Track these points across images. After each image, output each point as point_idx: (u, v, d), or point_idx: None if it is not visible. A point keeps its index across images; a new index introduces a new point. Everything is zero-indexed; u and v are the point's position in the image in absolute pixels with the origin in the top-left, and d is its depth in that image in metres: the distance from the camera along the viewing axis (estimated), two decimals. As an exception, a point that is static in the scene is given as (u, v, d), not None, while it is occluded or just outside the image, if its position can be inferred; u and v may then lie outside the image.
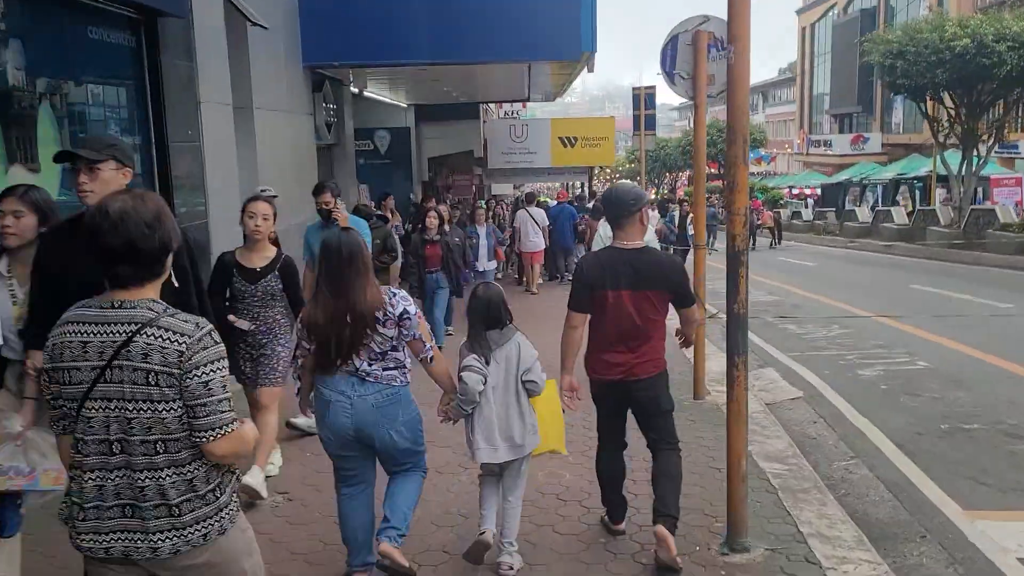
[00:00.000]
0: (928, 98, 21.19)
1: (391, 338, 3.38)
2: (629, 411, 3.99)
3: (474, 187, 25.38)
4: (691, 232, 9.31)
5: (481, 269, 11.10)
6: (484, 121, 22.38)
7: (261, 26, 7.86)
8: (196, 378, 2.05)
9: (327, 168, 11.76)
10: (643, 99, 13.27)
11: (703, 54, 6.23)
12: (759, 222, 26.48)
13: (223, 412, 2.10)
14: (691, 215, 10.87)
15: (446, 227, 9.21)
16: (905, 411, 6.78)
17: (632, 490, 4.46)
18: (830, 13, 55.21)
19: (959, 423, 6.36)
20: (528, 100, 21.54)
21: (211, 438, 2.09)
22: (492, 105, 25.43)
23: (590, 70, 12.16)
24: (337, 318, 3.31)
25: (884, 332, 10.45)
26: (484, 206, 13.91)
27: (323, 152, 11.60)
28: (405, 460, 3.53)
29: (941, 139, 21.34)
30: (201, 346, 2.07)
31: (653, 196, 46.16)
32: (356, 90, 12.71)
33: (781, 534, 4.10)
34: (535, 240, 13.83)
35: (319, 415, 3.46)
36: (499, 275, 14.28)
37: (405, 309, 3.39)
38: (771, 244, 26.92)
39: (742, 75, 3.55)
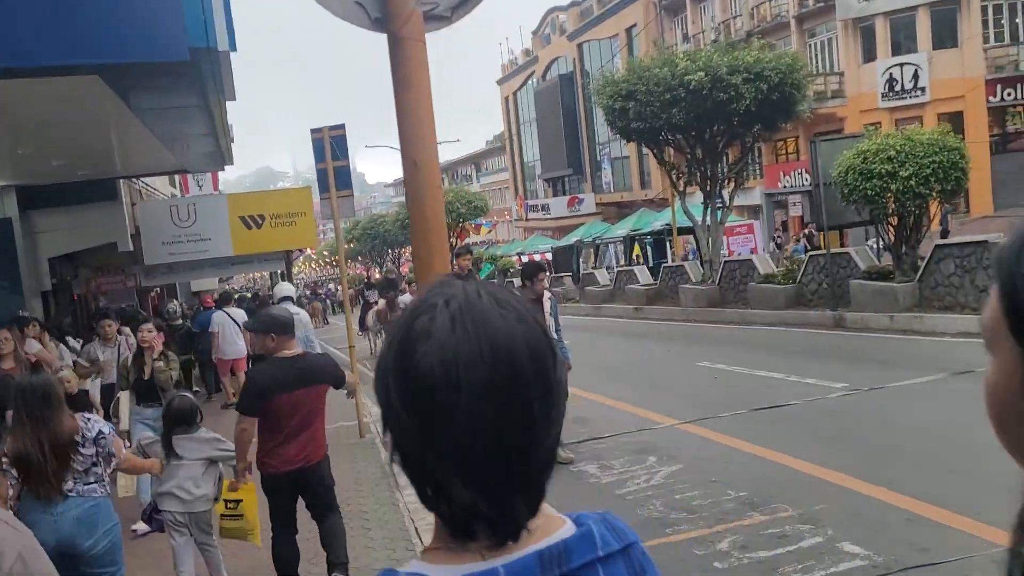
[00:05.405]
0: (664, 144, 18.97)
1: (90, 456, 3.88)
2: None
3: (134, 289, 19.30)
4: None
5: None
6: (133, 203, 16.58)
7: None
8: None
9: None
10: (328, 144, 8.63)
11: None
12: None
13: None
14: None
15: None
16: None
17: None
18: (530, 81, 55.62)
19: None
20: (186, 171, 16.18)
21: None
22: (153, 182, 19.57)
23: (231, 97, 7.45)
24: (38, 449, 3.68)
25: (739, 464, 6.67)
26: None
27: None
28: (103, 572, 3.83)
29: (681, 187, 19.22)
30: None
31: (376, 276, 41.78)
32: None
33: None
34: (236, 346, 12.35)
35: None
36: None
37: (100, 430, 3.94)
38: None
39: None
